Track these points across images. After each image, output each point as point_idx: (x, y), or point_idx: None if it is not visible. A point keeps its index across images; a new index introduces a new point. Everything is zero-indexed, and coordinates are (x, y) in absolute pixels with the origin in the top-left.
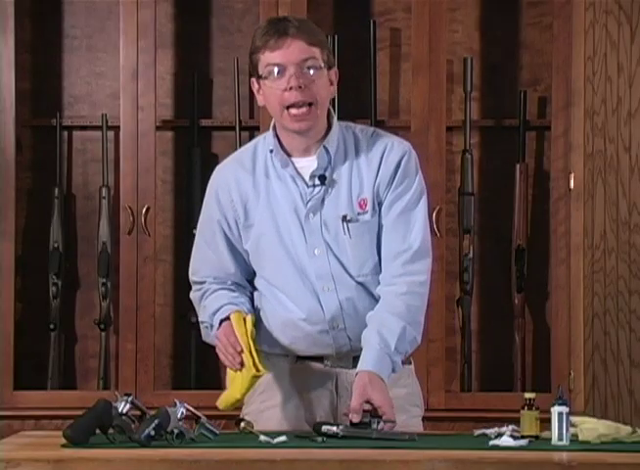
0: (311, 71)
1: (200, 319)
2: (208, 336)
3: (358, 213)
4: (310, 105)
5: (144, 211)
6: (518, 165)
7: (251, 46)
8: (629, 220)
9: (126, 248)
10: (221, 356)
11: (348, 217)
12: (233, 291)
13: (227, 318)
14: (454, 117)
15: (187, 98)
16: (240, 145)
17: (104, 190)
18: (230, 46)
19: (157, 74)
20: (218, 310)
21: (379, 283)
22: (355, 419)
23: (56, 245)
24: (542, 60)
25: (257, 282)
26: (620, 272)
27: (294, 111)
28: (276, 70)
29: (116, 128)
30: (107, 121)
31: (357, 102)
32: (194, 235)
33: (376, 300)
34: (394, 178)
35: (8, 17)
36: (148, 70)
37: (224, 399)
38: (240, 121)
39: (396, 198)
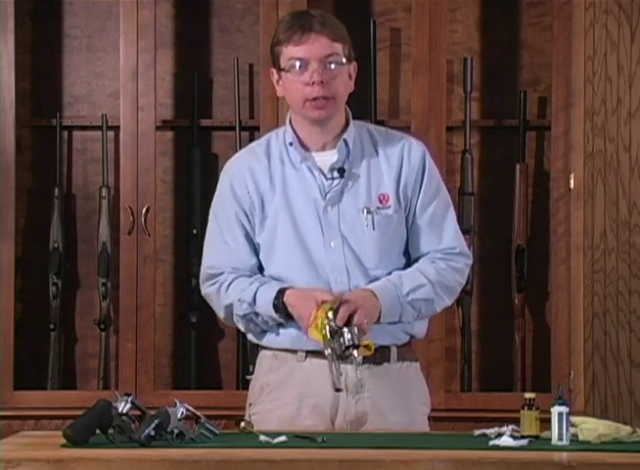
0: (333, 66)
1: (238, 314)
2: (252, 325)
3: (378, 207)
4: (330, 99)
5: (144, 211)
6: (518, 165)
7: (273, 38)
8: (629, 220)
9: (126, 248)
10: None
11: (371, 210)
12: (250, 276)
13: (277, 297)
14: (454, 118)
15: (187, 98)
16: (240, 145)
17: (104, 190)
18: (230, 46)
19: (157, 74)
20: (256, 297)
21: None
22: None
23: (56, 245)
24: (542, 60)
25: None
26: (620, 272)
27: (314, 102)
28: (298, 63)
29: (116, 128)
30: (107, 121)
31: (357, 102)
32: (194, 235)
33: None
34: (423, 179)
35: (8, 17)
36: (148, 70)
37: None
38: (240, 121)
39: (429, 201)
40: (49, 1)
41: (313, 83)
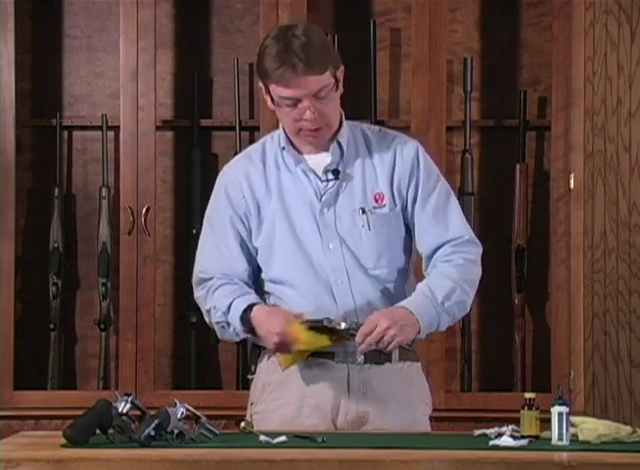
0: (323, 95)
1: (213, 321)
2: (225, 333)
3: (374, 207)
4: (323, 127)
5: (144, 211)
6: (518, 165)
7: (258, 63)
8: (629, 220)
9: (126, 248)
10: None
11: (366, 210)
12: (236, 284)
13: (247, 311)
14: (454, 118)
15: (187, 98)
16: (240, 145)
17: (104, 190)
18: (230, 46)
19: (157, 74)
20: (230, 307)
21: (398, 277)
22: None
23: (56, 245)
24: (542, 60)
25: (265, 283)
26: (620, 272)
27: (308, 132)
28: (289, 102)
29: (116, 128)
30: (107, 121)
31: (357, 102)
32: (194, 235)
33: (390, 294)
34: (418, 173)
35: (8, 17)
36: (148, 70)
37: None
38: (240, 121)
39: (429, 193)
40: (49, 1)
41: (305, 119)
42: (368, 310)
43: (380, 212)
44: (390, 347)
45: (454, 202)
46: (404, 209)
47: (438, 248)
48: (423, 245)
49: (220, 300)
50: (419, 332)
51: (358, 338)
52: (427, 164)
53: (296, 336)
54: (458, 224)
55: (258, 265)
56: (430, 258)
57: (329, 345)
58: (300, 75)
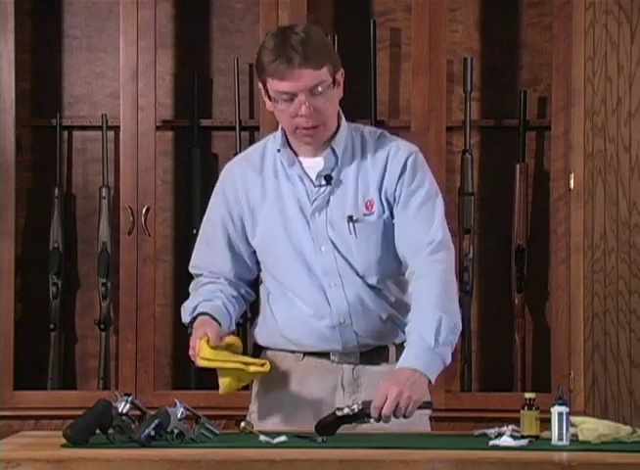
0: (320, 90)
1: (183, 320)
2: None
3: (364, 214)
4: (319, 125)
5: (144, 211)
6: (518, 165)
7: (257, 61)
8: (629, 220)
9: (126, 248)
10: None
11: (354, 218)
12: (220, 283)
13: (194, 319)
14: (454, 118)
15: (187, 98)
16: (240, 145)
17: (104, 190)
18: (230, 46)
19: (157, 74)
20: (194, 311)
21: (391, 282)
22: (374, 413)
23: (56, 245)
24: (542, 60)
25: (266, 280)
26: (620, 272)
27: (304, 131)
28: (285, 96)
29: (116, 128)
30: (107, 121)
31: (357, 102)
32: (194, 235)
33: (385, 298)
34: (404, 175)
35: (8, 17)
36: (148, 70)
37: (227, 386)
38: (240, 121)
39: (411, 193)
40: (49, 1)
41: (302, 115)
42: (362, 313)
43: (368, 220)
44: (409, 409)
45: (439, 206)
46: (393, 215)
47: (415, 250)
48: (400, 245)
49: (190, 301)
50: (430, 381)
51: (373, 413)
52: (416, 167)
53: (197, 352)
54: (436, 228)
55: (258, 262)
56: (408, 259)
57: (234, 367)
58: (296, 68)
